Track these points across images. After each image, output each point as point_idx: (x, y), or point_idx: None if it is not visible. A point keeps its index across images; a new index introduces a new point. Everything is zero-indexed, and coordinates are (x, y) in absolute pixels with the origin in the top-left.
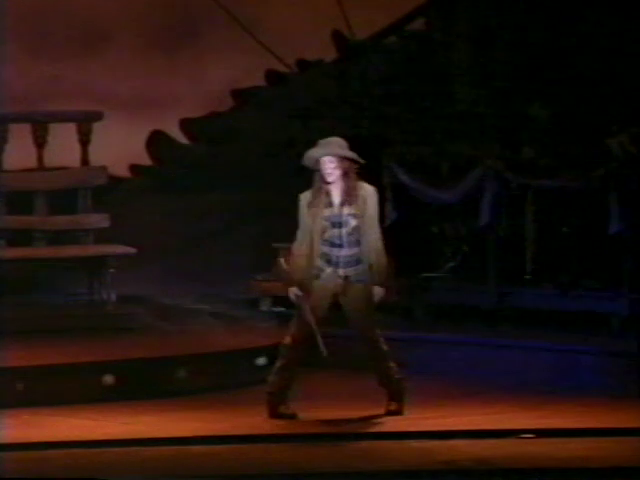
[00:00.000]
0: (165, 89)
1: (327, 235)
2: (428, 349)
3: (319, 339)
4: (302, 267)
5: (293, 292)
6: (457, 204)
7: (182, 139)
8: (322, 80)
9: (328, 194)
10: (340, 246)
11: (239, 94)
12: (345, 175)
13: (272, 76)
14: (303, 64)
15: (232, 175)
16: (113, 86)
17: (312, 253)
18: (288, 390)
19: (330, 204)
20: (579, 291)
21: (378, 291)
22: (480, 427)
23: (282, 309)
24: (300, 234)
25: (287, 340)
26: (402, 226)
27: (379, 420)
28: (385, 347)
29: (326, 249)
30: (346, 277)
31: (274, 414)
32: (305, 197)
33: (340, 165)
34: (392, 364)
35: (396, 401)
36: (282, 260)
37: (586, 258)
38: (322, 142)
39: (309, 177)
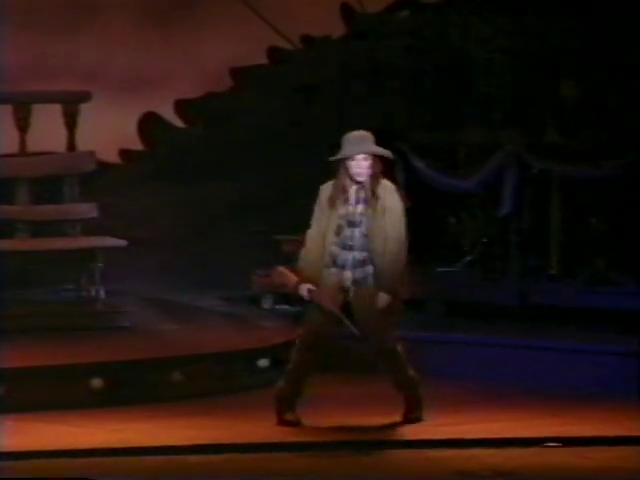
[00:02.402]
0: (158, 67)
1: (341, 235)
2: (443, 350)
3: (347, 322)
4: (313, 262)
5: (306, 288)
6: (475, 193)
7: (177, 122)
8: (329, 58)
9: (346, 191)
10: (351, 248)
11: (239, 73)
12: (373, 174)
13: (274, 53)
14: (308, 40)
15: (231, 161)
16: (102, 64)
17: (323, 251)
18: (297, 397)
19: (347, 201)
20: (608, 287)
21: (383, 298)
22: (500, 435)
23: (285, 307)
24: (314, 229)
25: (296, 343)
26: (416, 216)
27: (391, 427)
28: (402, 353)
29: (336, 250)
30: (354, 280)
31: (280, 420)
32: (326, 191)
33: (373, 164)
34: (411, 372)
35: (414, 409)
36: (282, 269)
37: (616, 252)
38: (355, 137)
39: (315, 162)
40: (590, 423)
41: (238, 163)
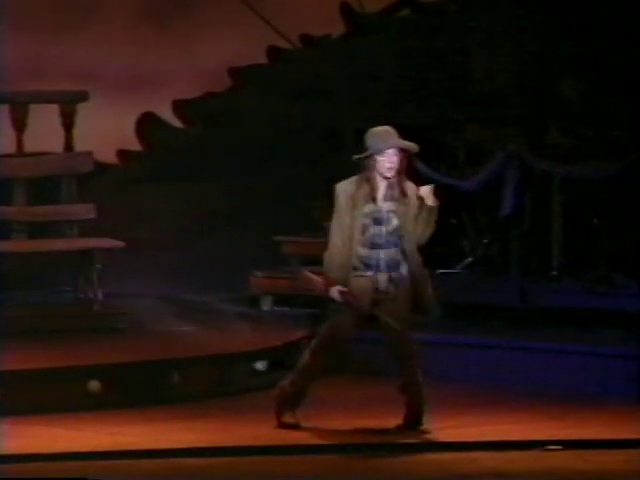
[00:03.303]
0: (156, 67)
1: (368, 234)
2: (445, 352)
3: (384, 320)
4: (340, 265)
5: (336, 290)
6: (476, 193)
7: (175, 122)
8: (329, 57)
9: (373, 188)
10: (380, 247)
11: (237, 72)
12: (400, 170)
13: (274, 53)
14: (308, 40)
15: (230, 161)
16: (99, 64)
17: (350, 253)
18: (300, 399)
19: (373, 199)
20: (610, 289)
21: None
22: (502, 438)
23: (285, 308)
24: (336, 232)
25: (312, 345)
26: None
27: (392, 430)
28: (418, 355)
29: (365, 251)
30: (390, 280)
31: (279, 423)
32: (344, 189)
33: (401, 159)
34: (420, 377)
35: (416, 413)
36: (307, 273)
37: (618, 253)
38: (381, 132)
39: (314, 163)
40: (592, 426)
41: (237, 163)
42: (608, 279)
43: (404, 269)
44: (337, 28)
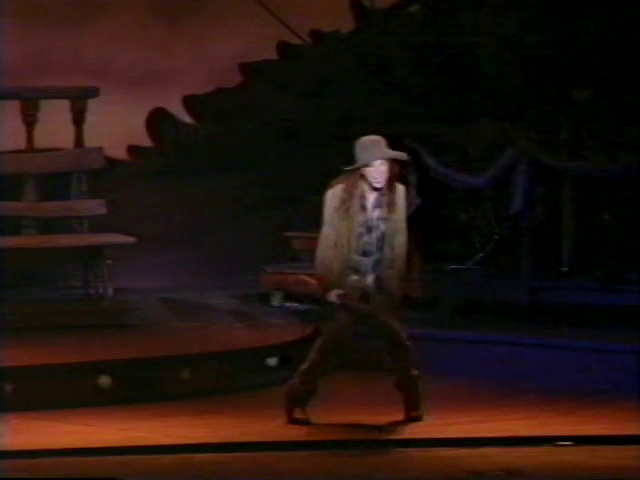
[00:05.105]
0: (167, 63)
1: (360, 242)
2: (455, 348)
3: (378, 320)
4: (336, 269)
5: (335, 294)
6: (487, 189)
7: (185, 118)
8: (338, 53)
9: (364, 197)
10: (370, 254)
11: (248, 68)
12: (390, 178)
13: (284, 48)
14: (318, 35)
15: (240, 157)
16: (110, 60)
17: (343, 258)
18: (310, 395)
19: (364, 207)
20: (620, 285)
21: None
22: (512, 434)
23: (295, 304)
24: (331, 234)
25: (317, 344)
26: (427, 213)
27: (401, 426)
28: (410, 353)
29: (357, 258)
30: (377, 279)
31: (289, 419)
32: (334, 197)
33: (389, 169)
34: (414, 371)
35: (415, 408)
36: (304, 278)
37: (629, 249)
38: (368, 143)
39: (324, 158)
40: (602, 422)
41: (247, 159)
42: (618, 275)
43: (386, 271)
44: (347, 24)
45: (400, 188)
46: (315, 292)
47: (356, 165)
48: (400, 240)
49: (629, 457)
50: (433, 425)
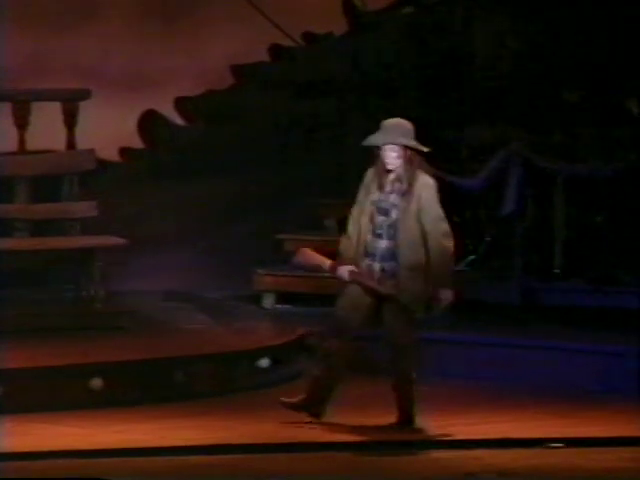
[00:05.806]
0: (159, 64)
1: (373, 222)
2: (447, 350)
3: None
4: (351, 247)
5: (347, 270)
6: (479, 191)
7: (177, 119)
8: (331, 55)
9: (381, 177)
10: (380, 237)
11: (240, 70)
12: (408, 162)
13: (276, 51)
14: (310, 38)
15: (232, 159)
16: (101, 61)
17: (359, 238)
18: (326, 402)
19: (381, 187)
20: (613, 287)
21: (445, 294)
22: (505, 436)
23: (287, 306)
24: (356, 210)
25: (326, 344)
26: None
27: (394, 429)
28: (408, 356)
29: (369, 238)
30: (383, 270)
31: (308, 412)
32: (368, 175)
33: (403, 154)
34: (414, 375)
35: (407, 412)
36: (306, 249)
37: (621, 250)
38: (386, 125)
39: (316, 160)
40: (595, 424)
41: (239, 161)
42: (611, 277)
43: (397, 263)
44: (340, 26)
45: (424, 181)
46: (322, 268)
47: (365, 143)
48: (434, 244)
49: (622, 459)
50: (426, 427)
